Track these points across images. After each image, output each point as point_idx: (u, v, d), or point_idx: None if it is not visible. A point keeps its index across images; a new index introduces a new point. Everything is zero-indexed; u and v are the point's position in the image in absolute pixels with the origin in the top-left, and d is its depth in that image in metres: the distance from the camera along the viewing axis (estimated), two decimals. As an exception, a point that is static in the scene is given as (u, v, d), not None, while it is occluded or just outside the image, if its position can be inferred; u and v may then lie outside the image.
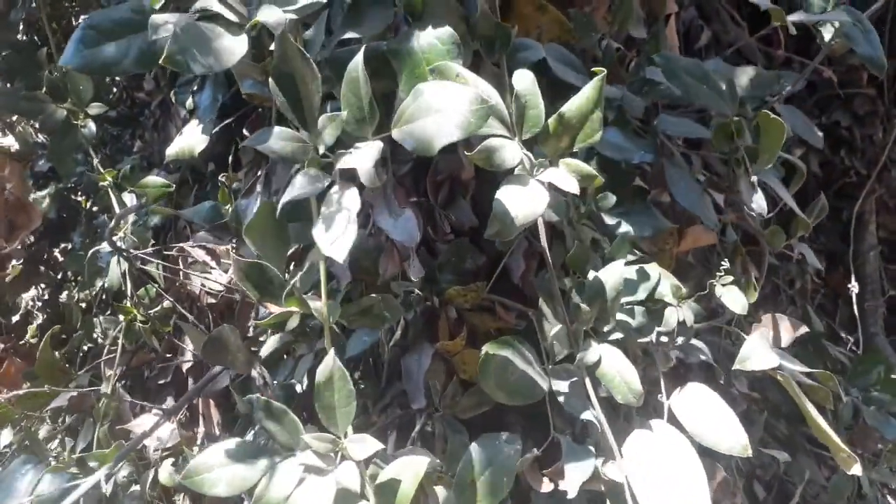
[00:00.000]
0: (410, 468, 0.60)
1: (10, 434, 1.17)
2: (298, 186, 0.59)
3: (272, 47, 0.59)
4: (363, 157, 0.59)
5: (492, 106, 0.57)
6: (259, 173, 0.99)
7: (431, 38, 0.67)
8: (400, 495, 0.59)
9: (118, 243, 1.20)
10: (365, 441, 0.59)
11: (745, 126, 0.84)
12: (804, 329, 0.92)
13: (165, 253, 1.28)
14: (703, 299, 0.86)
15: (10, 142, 1.61)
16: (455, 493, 0.69)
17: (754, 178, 0.84)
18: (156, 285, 1.28)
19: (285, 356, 0.98)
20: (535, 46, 0.78)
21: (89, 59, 0.62)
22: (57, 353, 1.25)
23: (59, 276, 1.83)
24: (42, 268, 1.81)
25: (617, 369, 0.71)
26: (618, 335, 0.76)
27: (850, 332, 1.44)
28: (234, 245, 1.04)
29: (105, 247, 1.24)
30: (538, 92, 0.62)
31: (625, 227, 0.83)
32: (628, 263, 0.80)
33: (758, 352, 0.79)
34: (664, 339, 0.82)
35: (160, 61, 0.55)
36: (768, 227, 0.97)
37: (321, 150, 0.60)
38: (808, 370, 0.80)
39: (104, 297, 1.51)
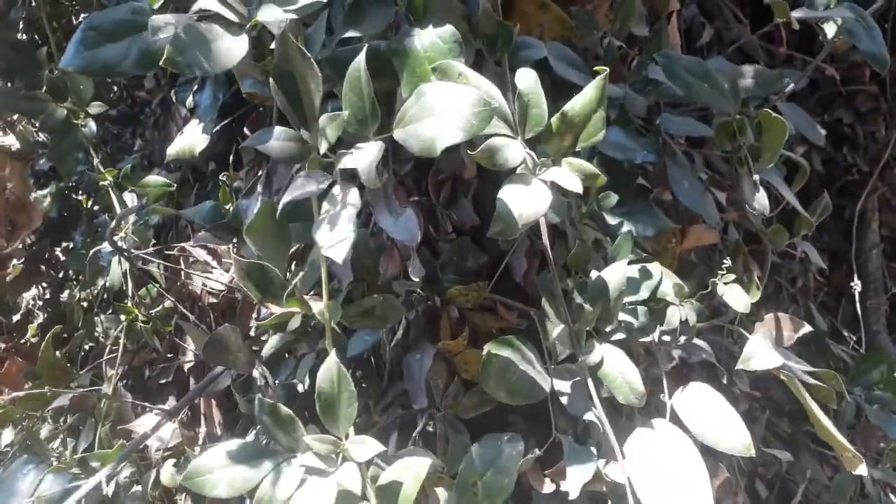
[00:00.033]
0: (412, 470, 0.60)
1: (11, 434, 1.16)
2: (299, 187, 0.59)
3: (273, 46, 0.59)
4: (364, 157, 0.58)
5: (495, 108, 0.57)
6: (260, 173, 0.98)
7: (433, 37, 0.67)
8: (401, 497, 0.58)
9: (119, 243, 1.20)
10: (366, 443, 0.59)
11: (747, 124, 0.83)
12: (807, 328, 0.91)
13: (167, 252, 1.28)
14: (706, 298, 0.86)
15: (11, 141, 1.61)
16: (456, 494, 0.69)
17: (756, 177, 0.84)
18: (157, 285, 1.28)
19: (287, 356, 0.98)
20: (537, 45, 0.78)
21: (90, 61, 0.62)
22: (58, 352, 1.25)
23: (61, 276, 1.83)
24: (43, 267, 1.81)
25: (619, 370, 0.71)
26: (620, 335, 0.76)
27: (852, 331, 1.44)
28: (236, 245, 1.04)
29: (106, 246, 1.23)
30: (541, 91, 0.62)
31: (627, 227, 0.83)
32: (630, 263, 0.79)
33: (761, 351, 0.78)
34: (666, 338, 0.81)
35: (160, 63, 0.55)
36: (771, 225, 0.97)
37: (322, 149, 0.60)
38: (812, 369, 0.79)
39: (105, 296, 1.52)
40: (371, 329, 0.88)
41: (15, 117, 1.58)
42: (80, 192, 1.70)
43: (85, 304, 1.63)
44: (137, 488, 1.00)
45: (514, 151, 0.61)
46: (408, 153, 0.57)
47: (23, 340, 1.73)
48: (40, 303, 1.87)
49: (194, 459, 0.60)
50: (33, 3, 1.34)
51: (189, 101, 1.10)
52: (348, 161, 0.59)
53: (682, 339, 0.82)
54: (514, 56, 0.75)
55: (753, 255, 1.04)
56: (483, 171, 0.86)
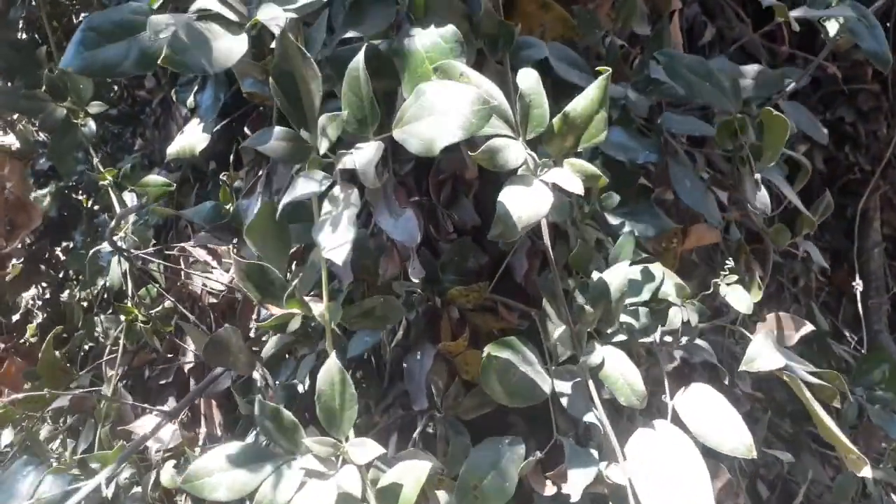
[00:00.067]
0: (412, 472, 0.59)
1: (11, 434, 1.16)
2: (299, 187, 0.58)
3: (273, 45, 0.59)
4: (364, 157, 0.58)
5: (494, 106, 0.56)
6: (260, 172, 0.98)
7: (434, 37, 0.67)
8: (401, 500, 0.58)
9: (119, 243, 1.20)
10: (366, 445, 0.59)
11: (748, 123, 0.83)
12: (809, 328, 0.91)
13: (167, 252, 1.28)
14: (707, 298, 0.86)
15: (11, 140, 1.60)
16: (457, 497, 0.69)
17: (758, 176, 0.84)
18: (157, 285, 1.27)
19: (287, 357, 0.98)
20: (538, 45, 0.77)
21: (90, 61, 0.61)
22: (58, 352, 1.25)
23: (60, 276, 1.82)
24: (43, 267, 1.80)
25: (620, 372, 0.71)
26: (621, 337, 0.75)
27: (853, 330, 1.44)
28: (236, 245, 1.04)
29: (106, 246, 1.23)
30: (543, 91, 0.62)
31: (629, 227, 0.83)
32: (632, 263, 0.79)
33: (764, 352, 0.78)
34: (668, 338, 0.81)
35: (159, 62, 0.55)
36: (772, 224, 0.96)
37: (322, 150, 0.60)
38: (815, 370, 0.79)
39: (105, 296, 1.51)
40: (371, 330, 0.88)
41: (15, 117, 1.58)
42: (80, 192, 1.70)
43: (85, 304, 1.63)
44: (137, 489, 1.00)
45: (515, 152, 0.61)
46: (408, 153, 0.57)
47: (22, 340, 1.73)
48: (40, 303, 1.87)
49: (194, 462, 0.60)
50: (33, 3, 1.33)
51: (190, 100, 1.09)
52: (348, 161, 0.59)
53: (684, 339, 0.82)
54: (515, 56, 0.75)
55: (755, 255, 1.03)
56: (484, 171, 0.85)
